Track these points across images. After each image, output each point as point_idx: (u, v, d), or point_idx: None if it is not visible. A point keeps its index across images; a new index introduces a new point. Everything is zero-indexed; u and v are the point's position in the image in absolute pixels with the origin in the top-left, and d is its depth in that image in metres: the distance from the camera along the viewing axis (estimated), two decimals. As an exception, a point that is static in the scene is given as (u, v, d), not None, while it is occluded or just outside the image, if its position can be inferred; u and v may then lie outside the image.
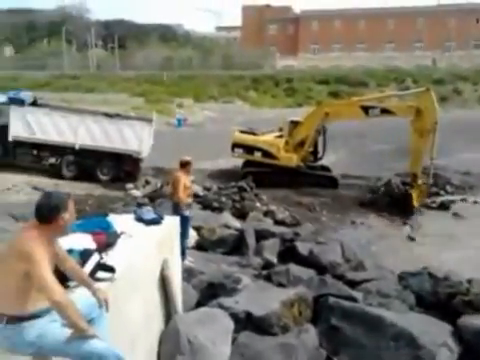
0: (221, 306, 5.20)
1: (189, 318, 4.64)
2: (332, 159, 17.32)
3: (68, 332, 2.59)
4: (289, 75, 46.06)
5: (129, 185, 15.12)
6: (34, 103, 16.52)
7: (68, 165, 16.05)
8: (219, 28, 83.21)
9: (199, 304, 5.67)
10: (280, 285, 6.35)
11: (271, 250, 7.73)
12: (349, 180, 16.12)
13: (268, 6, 68.35)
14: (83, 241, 3.48)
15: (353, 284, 6.46)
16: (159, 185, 15.06)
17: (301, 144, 15.06)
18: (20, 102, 15.91)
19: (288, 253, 7.67)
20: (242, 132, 16.89)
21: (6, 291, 2.57)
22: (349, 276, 6.78)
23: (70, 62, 54.05)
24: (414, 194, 12.49)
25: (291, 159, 15.09)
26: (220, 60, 52.76)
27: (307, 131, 14.90)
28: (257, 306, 5.22)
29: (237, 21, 72.79)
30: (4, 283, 2.58)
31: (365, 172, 16.65)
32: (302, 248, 7.57)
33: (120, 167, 16.05)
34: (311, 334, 5.09)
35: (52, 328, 2.61)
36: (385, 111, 13.72)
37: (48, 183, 15.03)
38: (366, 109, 13.72)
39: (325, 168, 16.22)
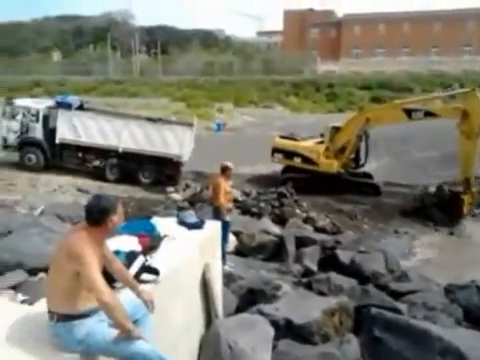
0: (261, 312, 5.16)
1: (230, 323, 4.63)
2: (374, 166, 16.93)
3: (115, 332, 2.64)
4: (330, 80, 45.59)
5: (169, 188, 15.33)
6: (81, 107, 17.05)
7: (111, 168, 16.45)
8: (260, 33, 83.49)
9: (238, 309, 5.66)
10: (321, 293, 6.25)
11: (311, 257, 7.62)
12: (392, 188, 15.71)
13: (311, 10, 68.05)
14: (129, 243, 3.54)
15: (397, 295, 6.27)
16: (199, 189, 15.19)
17: (342, 150, 14.82)
18: (67, 106, 16.47)
19: (329, 261, 7.54)
20: (282, 137, 16.80)
21: (57, 290, 2.65)
22: (393, 287, 6.59)
23: (115, 67, 55.63)
24: (466, 200, 12.02)
25: (331, 165, 14.86)
26: (260, 65, 52.87)
27: (348, 137, 14.65)
28: (297, 314, 5.15)
29: (278, 26, 72.95)
30: (55, 282, 2.67)
31: (409, 180, 16.19)
32: (343, 256, 7.43)
33: (161, 171, 16.29)
34: (353, 345, 4.97)
35: (100, 328, 2.66)
36: (429, 114, 13.24)
37: (92, 185, 15.48)
38: (409, 112, 13.32)
39: (367, 175, 15.87)
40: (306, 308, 5.36)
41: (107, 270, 2.89)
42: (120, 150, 16.13)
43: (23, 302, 5.45)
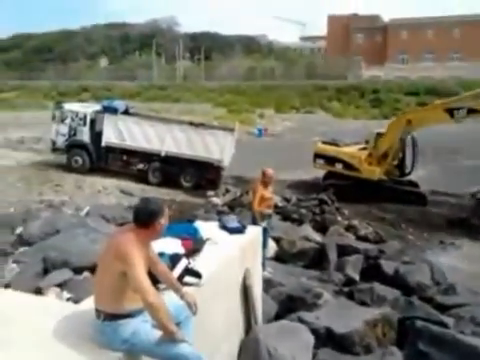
0: (301, 320, 5.10)
1: (270, 329, 4.59)
2: (421, 174, 16.38)
3: (158, 333, 2.67)
4: (375, 85, 44.72)
5: (210, 193, 15.43)
6: (126, 112, 17.51)
7: (154, 171, 16.75)
8: (303, 38, 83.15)
9: (278, 316, 5.61)
10: (363, 303, 6.10)
11: (354, 266, 7.45)
12: (439, 197, 15.12)
13: (355, 15, 67.14)
14: (173, 245, 3.58)
15: (443, 308, 6.01)
16: (238, 194, 15.22)
17: (385, 156, 14.43)
18: (113, 111, 16.95)
19: (372, 271, 7.34)
20: (325, 143, 16.58)
21: (104, 289, 2.71)
22: (439, 300, 6.33)
23: (159, 73, 56.93)
24: None
25: (373, 172, 14.47)
26: (303, 70, 52.63)
27: (390, 142, 14.22)
28: (339, 323, 5.05)
29: (322, 31, 72.43)
30: (102, 282, 2.73)
31: (457, 189, 15.56)
32: (387, 267, 7.22)
33: (202, 175, 16.43)
34: (397, 357, 4.80)
35: (144, 328, 2.70)
36: (472, 111, 12.43)
37: (135, 188, 15.81)
38: (451, 111, 12.66)
39: (413, 183, 15.36)
40: (348, 318, 5.24)
41: (152, 271, 2.93)
42: (163, 154, 16.41)
43: (68, 300, 5.63)
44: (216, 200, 14.71)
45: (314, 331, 4.84)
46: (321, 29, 75.04)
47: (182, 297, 2.94)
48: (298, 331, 4.74)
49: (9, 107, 39.36)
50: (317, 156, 16.05)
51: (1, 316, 3.39)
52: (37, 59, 70.09)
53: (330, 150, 15.82)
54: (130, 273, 2.57)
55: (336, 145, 16.01)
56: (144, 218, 2.76)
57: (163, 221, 2.82)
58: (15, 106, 39.98)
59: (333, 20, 67.92)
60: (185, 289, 3.07)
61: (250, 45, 70.21)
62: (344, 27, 65.25)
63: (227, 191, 15.72)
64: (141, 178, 16.68)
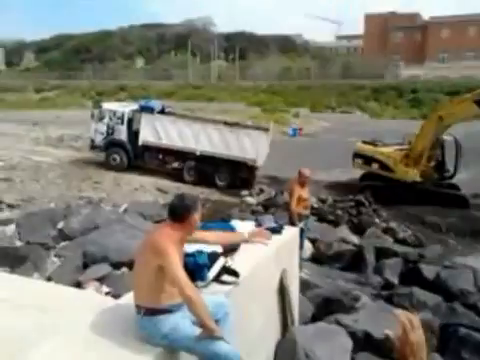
0: (339, 323, 5.02)
1: (307, 331, 4.53)
2: (463, 177, 15.80)
3: (198, 330, 2.67)
4: (414, 85, 43.57)
5: (244, 192, 15.44)
6: (162, 111, 17.74)
7: (189, 170, 16.88)
8: (339, 37, 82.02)
9: (314, 318, 5.54)
10: (402, 308, 5.94)
11: (392, 270, 7.27)
12: (482, 200, 14.56)
13: (393, 13, 65.67)
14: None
15: (487, 316, 5.79)
16: (273, 194, 15.15)
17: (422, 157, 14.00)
18: (150, 110, 17.21)
19: (411, 275, 7.15)
20: (365, 142, 16.28)
21: (143, 285, 2.74)
22: (482, 307, 6.09)
23: (194, 73, 57.40)
24: None
25: (407, 173, 14.03)
26: (339, 70, 51.93)
27: (423, 141, 13.72)
28: (377, 327, 4.95)
29: (359, 30, 71.26)
30: (141, 277, 2.76)
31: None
32: (427, 271, 7.00)
33: (236, 174, 16.44)
34: (438, 365, 4.67)
35: (184, 324, 2.71)
36: None
37: (171, 186, 15.99)
38: None
39: (453, 186, 14.82)
40: (387, 322, 5.11)
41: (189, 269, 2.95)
42: (198, 153, 16.53)
43: (107, 294, 5.75)
44: (250, 199, 14.71)
45: (352, 334, 4.76)
46: (358, 28, 73.86)
47: (250, 236, 3.18)
48: (336, 334, 4.66)
49: (50, 106, 40.63)
50: (356, 156, 15.78)
51: (44, 307, 3.50)
52: (76, 59, 72.04)
53: (368, 150, 15.51)
54: (167, 267, 2.60)
55: (374, 145, 15.67)
56: (179, 213, 2.80)
57: (197, 216, 2.86)
58: (55, 105, 41.23)
59: (370, 19, 66.66)
60: (221, 288, 3.06)
61: (285, 44, 69.80)
62: (382, 26, 63.93)
63: (261, 191, 15.68)
64: (176, 176, 16.85)
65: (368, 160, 15.24)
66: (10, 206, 11.45)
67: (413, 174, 13.93)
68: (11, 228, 8.50)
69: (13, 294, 3.74)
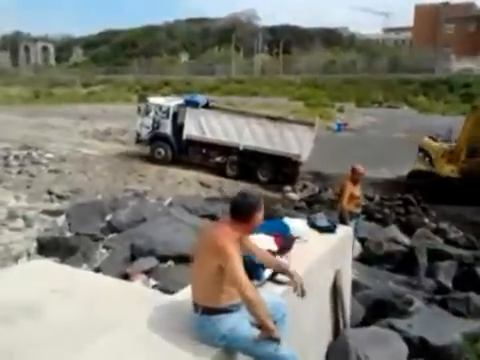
0: (392, 327, 4.82)
1: (360, 335, 4.36)
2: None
3: (256, 332, 2.59)
4: (467, 79, 41.66)
5: (287, 188, 15.24)
6: (206, 106, 17.79)
7: (232, 164, 16.86)
8: (387, 30, 79.64)
9: (365, 320, 5.33)
10: (457, 314, 5.65)
11: (446, 273, 6.93)
12: None
13: (445, 4, 63.00)
14: (266, 242, 3.47)
15: None
16: (317, 190, 14.90)
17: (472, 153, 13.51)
18: (195, 104, 17.29)
19: (467, 279, 6.78)
20: (430, 137, 15.87)
21: (201, 283, 2.68)
22: None
23: (237, 67, 57.39)
24: None
25: (443, 168, 13.70)
26: (387, 63, 50.38)
27: (465, 137, 13.42)
28: (433, 334, 4.71)
29: (408, 22, 68.94)
30: (200, 275, 2.69)
31: None
32: (484, 275, 6.63)
33: (279, 169, 16.28)
34: (501, 378, 4.37)
35: (242, 325, 2.63)
36: None
37: (213, 180, 16.04)
38: None
39: None
40: (443, 328, 4.89)
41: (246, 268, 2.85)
42: (241, 148, 16.48)
43: (154, 287, 5.77)
44: (293, 195, 14.53)
45: (406, 340, 4.55)
46: (407, 20, 71.41)
47: (290, 276, 2.89)
48: (390, 339, 4.47)
49: (97, 100, 41.73)
50: (419, 150, 15.62)
51: (95, 299, 3.52)
52: (123, 54, 73.64)
53: (425, 144, 15.28)
54: (227, 267, 2.52)
55: (434, 140, 15.30)
56: (242, 211, 2.70)
57: (260, 215, 2.75)
58: (102, 99, 42.30)
59: (421, 10, 64.28)
60: (277, 288, 2.96)
61: (330, 38, 68.56)
62: (432, 16, 61.48)
63: (305, 187, 15.47)
64: (219, 171, 16.88)
65: (425, 155, 14.94)
66: (59, 197, 11.80)
67: (449, 170, 13.63)
68: (61, 219, 8.75)
69: (64, 284, 3.80)
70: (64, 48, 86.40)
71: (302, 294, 2.87)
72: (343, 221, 6.53)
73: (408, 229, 10.19)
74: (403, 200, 12.49)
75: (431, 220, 11.26)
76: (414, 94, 39.74)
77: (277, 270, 2.96)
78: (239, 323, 2.63)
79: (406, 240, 8.49)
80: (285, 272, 2.91)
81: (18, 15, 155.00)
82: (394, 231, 8.98)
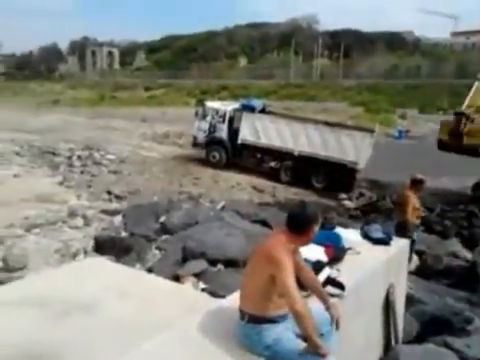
0: (448, 346, 4.55)
1: (412, 351, 4.17)
2: None
3: (301, 344, 2.54)
4: None
5: (342, 195, 14.93)
6: (263, 110, 17.82)
7: (286, 170, 16.76)
8: (455, 34, 76.14)
9: (419, 337, 5.08)
10: (523, 337, 5.24)
11: (511, 292, 6.48)
12: None
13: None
14: (316, 252, 3.41)
15: None
16: (374, 199, 14.45)
17: None
18: (251, 109, 17.38)
19: None
20: None
21: (251, 291, 2.66)
22: None
23: (296, 71, 57.11)
24: None
25: None
26: (454, 68, 48.13)
27: None
28: (494, 357, 4.39)
29: (478, 25, 65.56)
30: (250, 284, 2.68)
31: None
32: None
33: (335, 176, 15.97)
34: None
35: (287, 336, 2.59)
36: None
37: (267, 185, 16.01)
38: None
39: None
40: (505, 352, 4.54)
41: (298, 277, 2.81)
42: (296, 153, 16.35)
43: (203, 290, 5.82)
44: (349, 203, 14.19)
45: (463, 360, 4.28)
46: (477, 23, 67.96)
47: (328, 308, 2.78)
48: (445, 358, 4.23)
49: (157, 104, 43.01)
50: None
51: (147, 299, 3.61)
52: (184, 59, 75.48)
53: None
54: (279, 278, 2.49)
55: None
56: (300, 223, 2.68)
57: (316, 228, 2.73)
58: (162, 103, 43.54)
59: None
60: (333, 300, 2.89)
61: (393, 42, 66.56)
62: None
63: (361, 195, 15.05)
64: (273, 176, 16.83)
65: None
66: (118, 197, 12.24)
67: None
68: (118, 219, 9.06)
69: (118, 283, 3.92)
70: (128, 53, 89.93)
71: (337, 328, 2.76)
72: (405, 234, 6.25)
73: (471, 243, 9.65)
74: (466, 212, 11.87)
75: (496, 234, 10.59)
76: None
77: (317, 296, 2.87)
78: (284, 334, 2.59)
79: (468, 255, 8.04)
80: (323, 301, 2.79)
81: (86, 21, 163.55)
82: (455, 244, 8.53)
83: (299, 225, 2.67)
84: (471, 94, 12.48)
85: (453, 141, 12.55)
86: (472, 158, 14.15)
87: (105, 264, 5.11)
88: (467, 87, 41.82)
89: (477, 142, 12.22)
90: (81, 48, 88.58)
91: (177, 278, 6.16)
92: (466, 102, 12.46)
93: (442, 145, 13.89)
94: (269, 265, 2.53)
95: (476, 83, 12.74)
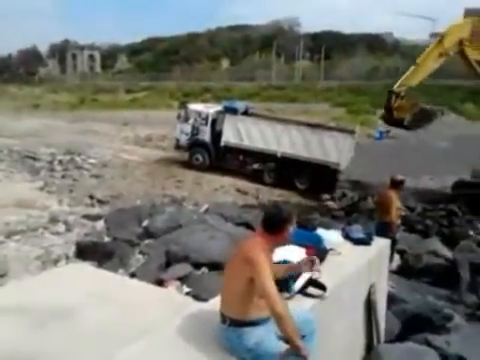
0: (428, 343, 4.63)
1: (394, 350, 4.22)
2: None
3: (283, 346, 2.56)
4: None
5: (325, 196, 15.02)
6: (246, 112, 17.86)
7: (269, 171, 16.83)
8: (434, 35, 77.29)
9: (401, 335, 5.16)
10: (501, 333, 5.36)
11: (490, 288, 6.63)
12: None
13: (495, 7, 60.64)
14: (297, 254, 3.43)
15: None
16: (356, 199, 14.60)
17: None
18: (234, 111, 17.40)
19: (512, 296, 6.46)
20: None
21: (231, 295, 2.67)
22: None
23: (277, 73, 57.32)
24: None
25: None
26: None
27: None
28: (474, 352, 4.49)
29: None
30: (230, 287, 2.69)
31: None
32: None
33: (317, 177, 16.05)
34: None
35: (269, 339, 2.61)
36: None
37: (250, 187, 16.05)
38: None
39: None
40: (484, 347, 4.64)
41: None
42: (278, 155, 16.44)
43: (187, 294, 5.80)
44: (331, 204, 14.29)
45: (444, 358, 4.36)
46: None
47: (300, 265, 2.96)
48: (425, 356, 4.29)
49: (139, 106, 42.67)
50: None
51: (129, 304, 3.60)
52: (165, 61, 75.14)
53: None
54: (258, 280, 2.50)
55: None
56: (274, 223, 2.71)
57: (291, 228, 2.76)
58: (144, 105, 43.21)
59: (470, 14, 62.13)
60: (309, 302, 2.91)
61: (374, 43, 67.31)
62: (481, 21, 59.30)
63: (344, 195, 15.19)
64: (256, 178, 16.87)
65: None
66: (100, 202, 12.13)
67: None
68: (100, 224, 8.98)
69: (100, 289, 3.89)
70: (110, 56, 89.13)
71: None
72: (388, 234, 6.31)
73: (451, 241, 9.81)
74: (447, 211, 12.08)
75: (476, 232, 10.80)
76: (461, 101, 38.33)
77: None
78: (265, 337, 2.60)
79: (448, 253, 8.18)
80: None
81: (66, 24, 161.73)
82: (435, 243, 8.68)
83: (273, 225, 2.70)
84: (405, 76, 13.59)
85: (387, 115, 13.88)
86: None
87: (87, 270, 5.07)
88: (445, 88, 42.28)
89: (404, 116, 13.53)
90: (61, 51, 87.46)
91: (161, 282, 6.13)
92: (398, 82, 13.61)
93: (383, 119, 15.32)
94: (247, 268, 2.54)
95: (412, 67, 13.75)
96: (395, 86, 13.58)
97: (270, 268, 2.57)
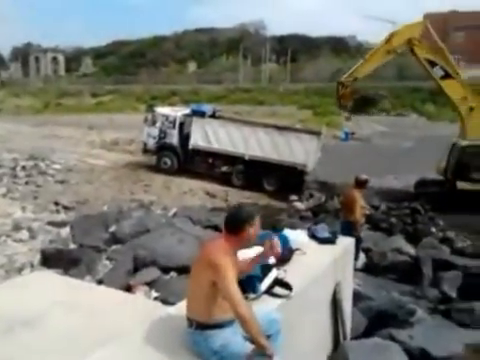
0: (392, 338, 4.78)
1: (360, 347, 4.33)
2: None
3: (249, 347, 2.58)
4: (476, 87, 41.35)
5: (293, 197, 15.20)
6: (213, 115, 17.87)
7: (238, 174, 16.87)
8: (389, 36, 79.43)
9: (367, 332, 5.29)
10: (461, 325, 5.60)
11: (451, 283, 6.87)
12: None
13: (454, 12, 62.78)
14: (255, 251, 3.46)
15: None
16: (323, 199, 14.83)
17: None
18: (201, 114, 17.38)
19: (471, 289, 6.69)
20: None
21: (196, 298, 2.68)
22: None
23: (244, 76, 57.59)
24: None
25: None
26: (394, 71, 50.20)
27: None
28: (435, 345, 4.66)
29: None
30: (194, 291, 2.70)
31: None
32: (490, 286, 6.55)
33: (285, 179, 16.22)
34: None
35: (235, 340, 2.62)
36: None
37: (219, 190, 16.05)
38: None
39: None
40: (445, 340, 4.84)
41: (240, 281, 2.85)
42: (246, 157, 16.50)
43: (156, 298, 5.78)
44: (299, 205, 14.47)
45: (407, 351, 4.51)
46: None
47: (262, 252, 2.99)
48: (390, 350, 4.42)
49: (105, 110, 41.99)
50: None
51: (96, 310, 3.56)
52: (131, 64, 74.25)
53: None
54: (220, 283, 2.52)
55: None
56: (235, 225, 2.71)
57: (253, 229, 2.74)
58: (109, 109, 42.57)
59: (429, 18, 63.92)
60: (275, 301, 2.95)
61: (338, 46, 68.57)
62: (441, 25, 61.17)
63: (311, 196, 15.38)
64: (225, 180, 16.88)
65: None
66: (65, 208, 11.89)
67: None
68: (66, 230, 8.81)
69: (65, 296, 3.84)
70: (74, 59, 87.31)
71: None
72: (352, 233, 6.46)
73: (415, 239, 10.11)
74: (410, 209, 12.42)
75: (438, 229, 11.16)
76: (422, 102, 39.52)
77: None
78: (232, 339, 2.61)
79: (411, 250, 8.43)
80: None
81: (29, 27, 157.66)
82: (399, 241, 8.93)
83: (234, 226, 2.71)
84: (353, 69, 14.82)
85: (338, 103, 15.42)
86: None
87: (52, 278, 4.98)
88: (409, 89, 43.29)
89: (347, 103, 15.32)
90: (24, 54, 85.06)
91: (129, 288, 6.09)
92: (346, 74, 14.83)
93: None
94: (210, 271, 2.55)
95: (361, 60, 15.16)
96: (342, 77, 14.82)
97: (234, 270, 2.59)
